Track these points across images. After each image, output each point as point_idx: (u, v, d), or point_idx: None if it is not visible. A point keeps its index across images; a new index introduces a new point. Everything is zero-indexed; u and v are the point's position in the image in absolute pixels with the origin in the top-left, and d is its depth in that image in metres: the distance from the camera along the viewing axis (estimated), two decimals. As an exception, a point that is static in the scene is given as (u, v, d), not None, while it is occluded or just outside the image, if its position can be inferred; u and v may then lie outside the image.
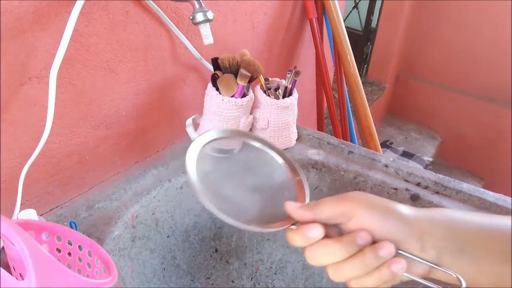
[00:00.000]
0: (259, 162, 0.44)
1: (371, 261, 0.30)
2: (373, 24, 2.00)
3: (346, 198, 0.32)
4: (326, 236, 0.32)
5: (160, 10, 0.59)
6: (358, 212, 0.31)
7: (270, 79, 0.76)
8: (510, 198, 0.65)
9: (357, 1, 1.99)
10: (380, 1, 1.92)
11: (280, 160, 0.43)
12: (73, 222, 0.55)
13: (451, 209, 0.34)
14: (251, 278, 0.76)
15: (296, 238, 0.32)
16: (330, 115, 1.18)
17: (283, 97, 0.72)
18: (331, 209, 0.32)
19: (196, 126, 0.71)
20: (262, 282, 0.76)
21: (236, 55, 0.67)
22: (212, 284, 0.73)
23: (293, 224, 0.34)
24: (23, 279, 0.35)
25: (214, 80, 0.66)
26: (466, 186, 0.67)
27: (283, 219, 0.35)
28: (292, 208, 0.34)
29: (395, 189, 0.68)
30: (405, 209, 0.32)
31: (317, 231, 0.32)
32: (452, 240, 0.30)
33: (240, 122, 0.68)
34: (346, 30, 1.04)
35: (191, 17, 0.54)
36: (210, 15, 0.54)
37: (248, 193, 0.40)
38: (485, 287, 0.30)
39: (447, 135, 2.03)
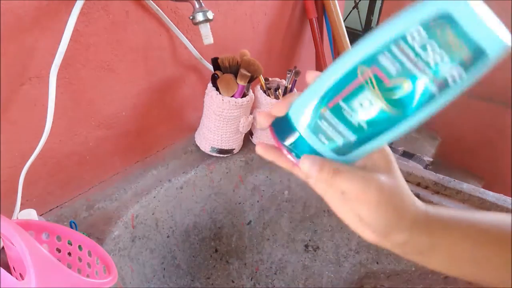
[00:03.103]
0: None
1: None
2: (373, 24, 2.00)
3: (372, 187, 0.28)
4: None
5: (160, 10, 0.59)
6: (369, 199, 0.28)
7: (270, 79, 0.76)
8: (510, 198, 0.65)
9: (357, 1, 1.99)
10: (380, 1, 1.92)
11: None
12: (73, 222, 0.55)
13: (443, 208, 0.32)
14: (251, 278, 0.76)
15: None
16: (330, 115, 1.18)
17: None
18: (348, 185, 0.28)
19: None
20: (262, 282, 0.76)
21: (236, 55, 0.67)
22: (212, 284, 0.73)
23: None
24: (23, 279, 0.35)
25: (214, 80, 0.66)
26: (466, 186, 0.67)
27: None
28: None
29: (395, 189, 0.68)
30: (415, 211, 0.29)
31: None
32: (429, 237, 0.29)
33: (240, 122, 0.68)
34: (346, 30, 1.03)
35: (191, 17, 0.54)
36: (210, 15, 0.54)
37: None
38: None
39: (447, 135, 2.03)
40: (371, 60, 0.24)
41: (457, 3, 0.21)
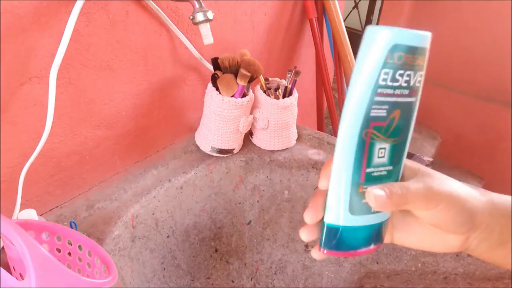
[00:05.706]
0: None
1: None
2: (373, 24, 2.00)
3: (440, 198, 0.28)
4: None
5: (160, 10, 0.59)
6: (441, 210, 0.28)
7: (270, 79, 0.76)
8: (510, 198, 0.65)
9: (357, 1, 1.99)
10: (380, 1, 1.92)
11: None
12: (73, 222, 0.55)
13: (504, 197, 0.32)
14: (251, 278, 0.76)
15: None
16: (330, 115, 1.18)
17: (283, 97, 0.72)
18: (419, 205, 0.28)
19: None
20: (262, 282, 0.76)
21: (236, 55, 0.67)
22: (212, 284, 0.73)
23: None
24: (23, 279, 0.35)
25: (214, 80, 0.66)
26: (466, 186, 0.67)
27: None
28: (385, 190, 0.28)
29: (395, 189, 0.68)
30: (477, 202, 0.30)
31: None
32: (500, 234, 0.29)
33: (240, 122, 0.68)
34: (346, 30, 1.04)
35: (191, 17, 0.54)
36: (210, 15, 0.54)
37: None
38: None
39: (447, 135, 2.03)
40: (367, 121, 0.26)
41: (392, 32, 0.24)
